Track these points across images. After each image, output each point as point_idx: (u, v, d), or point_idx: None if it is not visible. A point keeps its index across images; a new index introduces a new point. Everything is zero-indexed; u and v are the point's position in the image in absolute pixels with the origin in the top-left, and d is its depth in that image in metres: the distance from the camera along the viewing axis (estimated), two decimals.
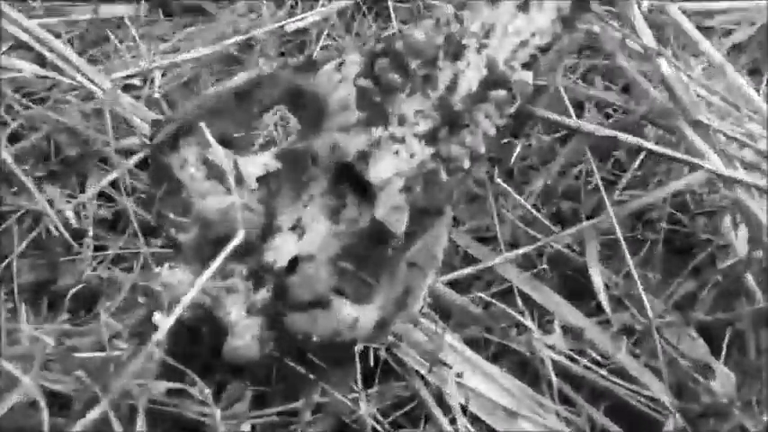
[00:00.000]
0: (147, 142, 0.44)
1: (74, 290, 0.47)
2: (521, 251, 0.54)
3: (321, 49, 0.71)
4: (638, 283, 0.46)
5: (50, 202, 0.55)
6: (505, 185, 0.61)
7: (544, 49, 0.44)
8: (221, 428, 0.33)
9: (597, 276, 0.51)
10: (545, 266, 0.53)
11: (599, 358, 0.48)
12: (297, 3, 0.77)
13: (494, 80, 0.41)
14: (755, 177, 0.42)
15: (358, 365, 0.44)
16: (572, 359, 0.49)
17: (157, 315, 0.31)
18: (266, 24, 0.72)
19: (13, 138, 0.59)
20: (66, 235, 0.52)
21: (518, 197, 0.61)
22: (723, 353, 0.45)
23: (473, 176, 0.65)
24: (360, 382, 0.44)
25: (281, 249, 0.38)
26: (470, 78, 0.41)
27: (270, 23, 0.72)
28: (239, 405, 0.38)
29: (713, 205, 0.60)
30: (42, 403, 0.26)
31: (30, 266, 0.49)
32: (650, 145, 0.43)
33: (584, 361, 0.48)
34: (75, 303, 0.48)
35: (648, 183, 0.63)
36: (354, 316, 0.41)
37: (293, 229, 0.39)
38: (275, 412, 0.40)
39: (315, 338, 0.39)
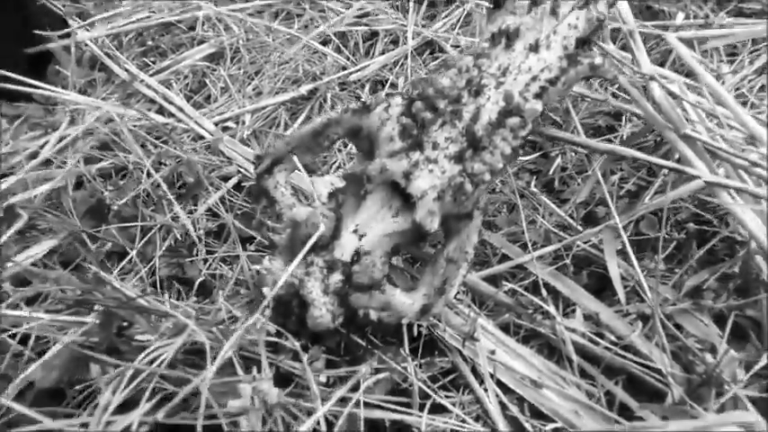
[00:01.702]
0: (252, 171, 0.60)
1: (198, 281, 0.64)
2: (548, 249, 0.63)
3: (374, 92, 0.86)
4: (638, 271, 0.53)
5: (175, 218, 0.73)
6: (540, 194, 0.70)
7: (552, 82, 0.54)
8: (308, 373, 0.46)
9: (615, 269, 0.58)
10: (567, 261, 0.62)
11: (616, 340, 0.55)
12: (356, 53, 0.94)
13: (510, 110, 0.52)
14: (735, 181, 0.48)
15: (407, 341, 0.56)
16: (592, 341, 0.56)
17: (265, 289, 0.45)
18: (331, 73, 0.89)
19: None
20: (194, 238, 0.70)
21: (550, 203, 0.70)
22: (727, 332, 0.50)
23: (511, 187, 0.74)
24: (409, 352, 0.55)
25: (346, 246, 0.52)
26: (490, 110, 0.52)
27: (333, 72, 0.90)
28: (317, 363, 0.52)
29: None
30: (203, 337, 0.41)
31: (165, 264, 0.67)
32: (640, 155, 0.51)
33: (604, 342, 0.56)
34: (197, 292, 0.65)
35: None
36: (404, 300, 0.53)
37: (355, 231, 0.52)
38: (344, 371, 0.53)
39: (372, 312, 0.51)
